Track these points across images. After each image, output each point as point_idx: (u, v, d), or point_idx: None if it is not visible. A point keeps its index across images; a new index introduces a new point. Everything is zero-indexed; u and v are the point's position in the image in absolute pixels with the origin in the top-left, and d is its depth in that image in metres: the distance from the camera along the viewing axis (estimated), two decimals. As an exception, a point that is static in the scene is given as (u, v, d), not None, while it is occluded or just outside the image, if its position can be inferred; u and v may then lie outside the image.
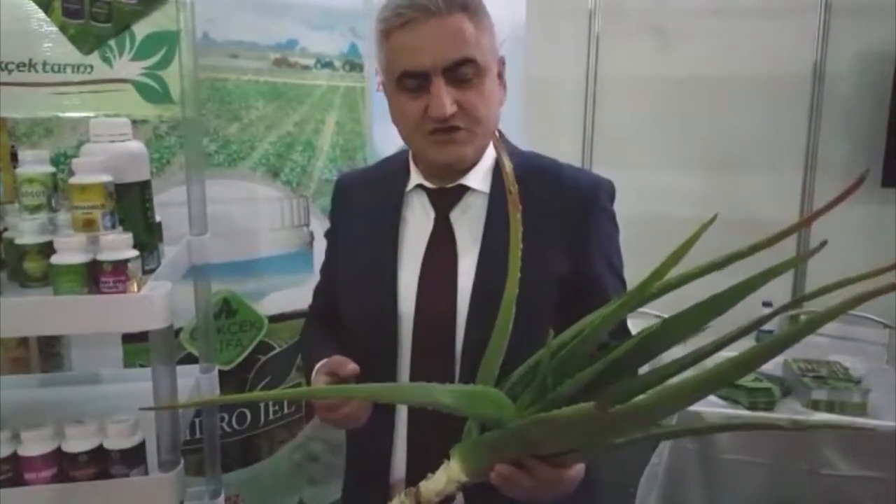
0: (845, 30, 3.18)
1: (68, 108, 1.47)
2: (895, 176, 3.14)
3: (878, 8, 3.11)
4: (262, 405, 1.86)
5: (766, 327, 1.16)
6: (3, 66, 1.41)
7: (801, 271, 3.17)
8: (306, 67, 1.87)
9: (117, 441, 1.08)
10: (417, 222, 1.11)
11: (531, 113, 2.67)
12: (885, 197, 3.19)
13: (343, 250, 1.18)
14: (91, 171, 1.05)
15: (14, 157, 1.38)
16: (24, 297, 1.02)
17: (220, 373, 1.52)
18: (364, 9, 1.89)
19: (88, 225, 1.03)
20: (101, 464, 1.08)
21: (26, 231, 1.05)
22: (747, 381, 2.08)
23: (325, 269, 1.26)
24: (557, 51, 3.37)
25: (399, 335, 1.08)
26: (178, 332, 1.66)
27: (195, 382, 1.41)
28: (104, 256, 1.00)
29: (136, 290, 1.02)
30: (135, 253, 1.03)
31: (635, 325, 0.97)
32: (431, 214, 1.10)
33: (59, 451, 1.07)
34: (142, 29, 1.50)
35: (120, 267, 1.00)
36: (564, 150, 3.20)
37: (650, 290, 0.78)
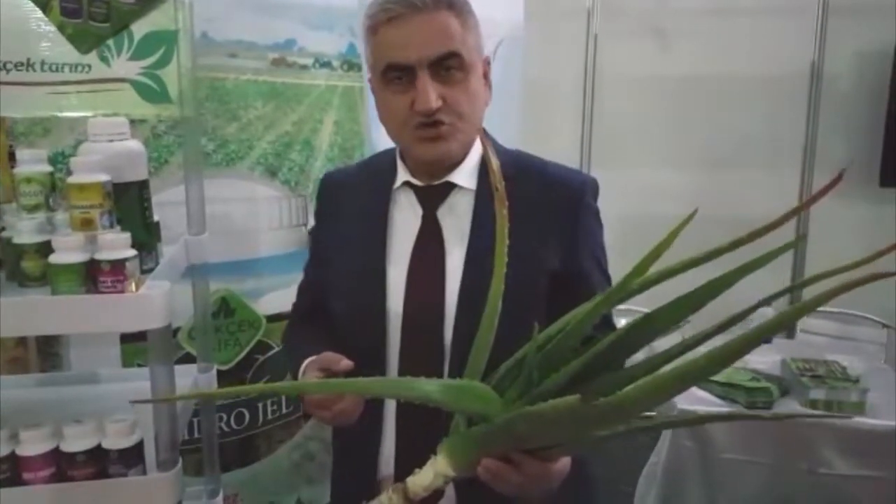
0: (844, 29, 3.17)
1: (66, 107, 1.47)
2: (893, 176, 3.14)
3: (876, 7, 3.11)
4: (260, 405, 1.86)
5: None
6: (1, 65, 1.41)
7: (798, 272, 3.17)
8: (305, 67, 1.87)
9: (116, 441, 1.08)
10: (405, 220, 1.11)
11: (529, 112, 2.66)
12: (882, 197, 3.19)
13: (331, 248, 1.18)
14: (89, 170, 1.05)
15: (12, 157, 1.38)
16: (23, 296, 1.02)
17: (219, 372, 1.51)
18: (362, 9, 1.88)
19: (86, 224, 1.03)
20: (100, 463, 1.07)
21: (24, 230, 1.05)
22: (746, 380, 2.09)
23: (310, 266, 1.27)
24: (556, 50, 3.36)
25: (388, 332, 1.08)
26: (176, 331, 1.66)
27: (193, 382, 1.41)
28: (102, 256, 1.00)
29: (134, 289, 1.02)
30: (133, 252, 1.03)
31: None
32: (419, 212, 1.11)
33: (57, 450, 1.06)
34: (140, 28, 1.50)
35: (118, 266, 1.00)
36: (563, 150, 3.20)
37: (631, 285, 0.80)
